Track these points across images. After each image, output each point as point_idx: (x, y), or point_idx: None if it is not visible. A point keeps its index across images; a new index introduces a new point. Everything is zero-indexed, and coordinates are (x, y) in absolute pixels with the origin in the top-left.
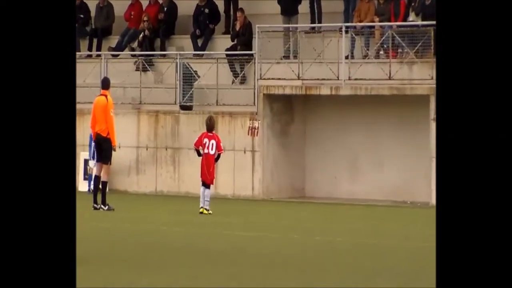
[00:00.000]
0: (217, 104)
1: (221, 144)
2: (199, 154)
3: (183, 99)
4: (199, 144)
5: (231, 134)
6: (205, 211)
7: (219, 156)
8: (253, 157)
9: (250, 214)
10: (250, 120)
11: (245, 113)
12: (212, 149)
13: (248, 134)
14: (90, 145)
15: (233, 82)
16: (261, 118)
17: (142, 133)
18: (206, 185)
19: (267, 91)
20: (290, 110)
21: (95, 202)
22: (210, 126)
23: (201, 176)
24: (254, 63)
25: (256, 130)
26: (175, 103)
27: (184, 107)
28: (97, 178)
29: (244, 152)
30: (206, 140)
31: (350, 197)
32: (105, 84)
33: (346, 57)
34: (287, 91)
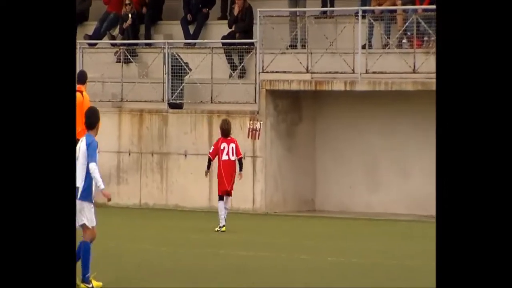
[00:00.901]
0: (211, 102)
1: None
2: (209, 167)
3: (172, 96)
4: (215, 154)
5: None
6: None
7: (241, 163)
8: (254, 164)
9: (250, 231)
10: (250, 120)
11: (244, 112)
12: (233, 155)
13: (248, 136)
14: None
15: (230, 76)
16: (263, 118)
17: (124, 136)
18: (227, 194)
19: (270, 86)
20: (298, 109)
21: None
22: (227, 130)
23: (220, 187)
24: (255, 53)
25: (257, 132)
26: (163, 101)
27: (173, 105)
28: None
29: (244, 157)
30: (224, 145)
31: (368, 211)
32: (81, 78)
33: (363, 47)
34: (294, 87)
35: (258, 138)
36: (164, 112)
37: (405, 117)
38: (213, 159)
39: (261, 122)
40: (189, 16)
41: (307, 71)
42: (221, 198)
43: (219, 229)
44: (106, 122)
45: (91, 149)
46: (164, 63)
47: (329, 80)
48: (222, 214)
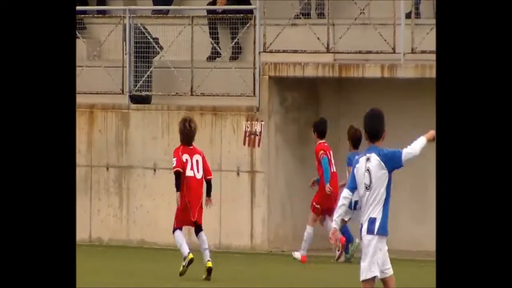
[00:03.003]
0: (191, 94)
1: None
2: (179, 187)
3: (135, 86)
4: (180, 165)
5: (216, 143)
6: (209, 264)
7: (210, 185)
8: (252, 182)
9: (247, 279)
10: (247, 120)
11: (239, 109)
12: (198, 171)
13: (244, 143)
14: None
15: (214, 56)
16: (265, 117)
17: None
18: (197, 228)
19: (275, 72)
20: (315, 103)
21: None
22: (190, 134)
23: (181, 217)
24: (254, 26)
25: (257, 137)
26: (122, 92)
27: (137, 99)
28: None
29: (238, 173)
30: (186, 156)
31: (413, 248)
32: None
33: (407, 16)
34: (309, 72)
35: (259, 146)
36: (124, 108)
37: None
38: (184, 174)
39: (263, 123)
40: None
41: (328, 51)
42: (176, 229)
43: (185, 265)
44: None
45: None
46: (124, 40)
47: (359, 63)
48: (183, 243)
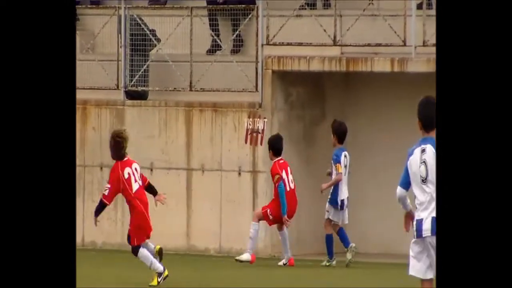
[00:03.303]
0: (190, 90)
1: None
2: (98, 214)
3: (131, 81)
4: (116, 192)
5: (216, 142)
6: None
7: (151, 186)
8: (254, 183)
9: (249, 285)
10: (249, 117)
11: (240, 106)
12: (140, 178)
13: (246, 141)
14: None
15: (214, 49)
16: (268, 113)
17: None
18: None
19: (279, 66)
20: (320, 99)
21: None
22: (121, 146)
23: (144, 230)
24: (256, 17)
25: (259, 135)
26: (117, 88)
27: (133, 95)
28: None
29: (239, 173)
30: (128, 170)
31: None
32: None
33: (419, 7)
34: (315, 66)
35: (261, 144)
36: (119, 104)
37: None
38: (110, 203)
39: (266, 120)
40: None
41: (335, 43)
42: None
43: (161, 281)
44: None
45: None
46: (120, 32)
47: (368, 57)
48: (153, 258)
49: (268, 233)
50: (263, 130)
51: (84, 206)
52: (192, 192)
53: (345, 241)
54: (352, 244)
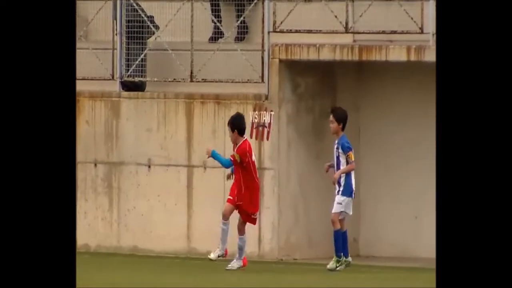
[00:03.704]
0: (191, 80)
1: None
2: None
3: (127, 71)
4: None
5: (219, 136)
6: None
7: None
8: (260, 181)
9: None
10: (254, 110)
11: (245, 97)
12: None
13: (251, 136)
14: None
15: (217, 37)
16: (275, 106)
17: None
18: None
19: (286, 54)
20: (331, 90)
21: None
22: None
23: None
24: (262, 2)
25: (266, 129)
26: (113, 78)
27: (129, 86)
28: None
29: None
30: None
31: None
32: None
33: None
34: (325, 55)
35: (268, 139)
36: (114, 96)
37: None
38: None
39: (272, 113)
40: None
41: (347, 30)
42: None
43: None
44: None
45: None
46: (115, 18)
47: (382, 45)
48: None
49: (275, 235)
50: (269, 123)
51: (76, 206)
52: (193, 191)
53: (345, 248)
54: (350, 259)
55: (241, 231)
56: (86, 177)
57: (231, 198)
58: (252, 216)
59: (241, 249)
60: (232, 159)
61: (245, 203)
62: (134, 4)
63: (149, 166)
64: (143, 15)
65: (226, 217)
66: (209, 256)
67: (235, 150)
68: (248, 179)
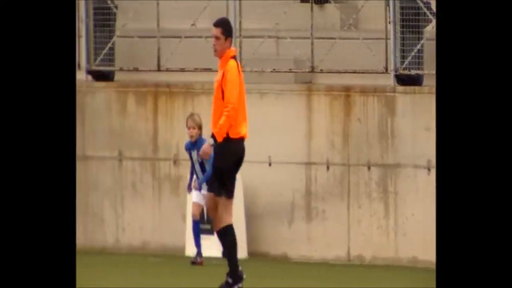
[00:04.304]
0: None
1: None
2: None
3: (402, 64)
4: None
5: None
6: None
7: None
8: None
9: None
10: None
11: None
12: None
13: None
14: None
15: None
16: None
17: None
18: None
19: None
20: None
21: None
22: None
23: None
24: None
25: None
26: (386, 71)
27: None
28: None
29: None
30: None
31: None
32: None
33: None
34: None
35: None
36: (389, 91)
37: None
38: None
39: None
40: None
41: None
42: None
43: None
44: None
45: None
46: (388, 5)
47: None
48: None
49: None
50: None
51: (349, 213)
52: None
53: None
54: None
55: None
56: (359, 181)
57: None
58: None
59: None
60: None
61: None
62: None
63: (429, 169)
64: (419, 1)
65: None
66: None
67: None
68: None
